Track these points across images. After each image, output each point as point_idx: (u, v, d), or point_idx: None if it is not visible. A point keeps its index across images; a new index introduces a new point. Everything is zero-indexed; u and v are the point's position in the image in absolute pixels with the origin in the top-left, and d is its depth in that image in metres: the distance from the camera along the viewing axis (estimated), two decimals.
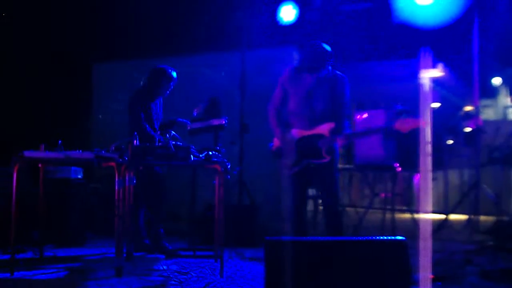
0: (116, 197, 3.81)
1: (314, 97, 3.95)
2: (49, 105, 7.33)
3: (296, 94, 4.01)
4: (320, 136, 3.88)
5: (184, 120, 4.85)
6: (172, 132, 4.67)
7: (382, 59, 7.78)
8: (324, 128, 3.87)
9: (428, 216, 2.50)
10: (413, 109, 5.02)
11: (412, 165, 4.91)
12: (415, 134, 3.71)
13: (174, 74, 4.76)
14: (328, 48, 3.97)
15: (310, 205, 4.27)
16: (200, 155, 3.94)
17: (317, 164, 3.90)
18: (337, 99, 3.95)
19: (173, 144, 3.93)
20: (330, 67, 4.02)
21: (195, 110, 4.81)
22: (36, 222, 4.38)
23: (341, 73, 4.04)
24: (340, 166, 8.41)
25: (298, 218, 3.98)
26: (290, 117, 4.06)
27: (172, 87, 4.82)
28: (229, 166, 4.11)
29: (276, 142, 4.11)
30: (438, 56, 7.21)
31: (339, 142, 3.93)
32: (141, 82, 4.81)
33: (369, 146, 5.43)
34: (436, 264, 3.90)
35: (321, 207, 4.18)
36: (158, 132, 4.76)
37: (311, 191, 5.06)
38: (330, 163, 3.92)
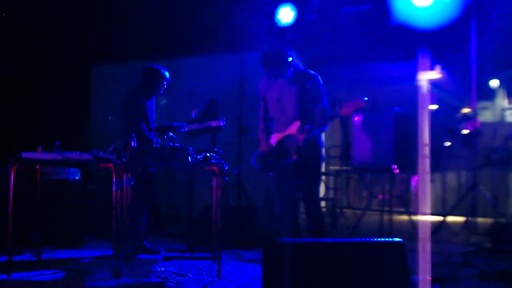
0: (113, 199, 3.81)
1: (284, 100, 4.04)
2: (47, 107, 7.33)
3: (271, 100, 4.14)
4: (290, 136, 3.96)
5: (178, 123, 4.86)
6: (170, 133, 4.70)
7: (380, 61, 7.79)
8: (293, 128, 3.94)
9: (426, 218, 2.50)
10: (411, 111, 5.05)
11: (410, 167, 4.91)
12: (414, 135, 3.72)
13: (167, 74, 4.80)
14: (282, 50, 3.98)
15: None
16: (198, 157, 3.94)
17: (287, 164, 3.94)
18: (308, 97, 3.98)
19: (171, 145, 3.93)
20: (297, 66, 4.05)
21: (194, 111, 4.82)
22: (33, 224, 4.38)
23: (311, 72, 4.06)
24: (337, 168, 8.48)
25: (288, 220, 4.00)
26: (272, 123, 4.18)
27: (165, 87, 4.84)
28: (226, 168, 4.11)
29: (260, 150, 4.20)
30: (436, 58, 7.22)
31: (299, 137, 3.88)
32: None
33: (367, 148, 5.43)
34: (434, 266, 3.90)
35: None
36: (156, 134, 4.76)
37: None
38: (304, 163, 3.93)
